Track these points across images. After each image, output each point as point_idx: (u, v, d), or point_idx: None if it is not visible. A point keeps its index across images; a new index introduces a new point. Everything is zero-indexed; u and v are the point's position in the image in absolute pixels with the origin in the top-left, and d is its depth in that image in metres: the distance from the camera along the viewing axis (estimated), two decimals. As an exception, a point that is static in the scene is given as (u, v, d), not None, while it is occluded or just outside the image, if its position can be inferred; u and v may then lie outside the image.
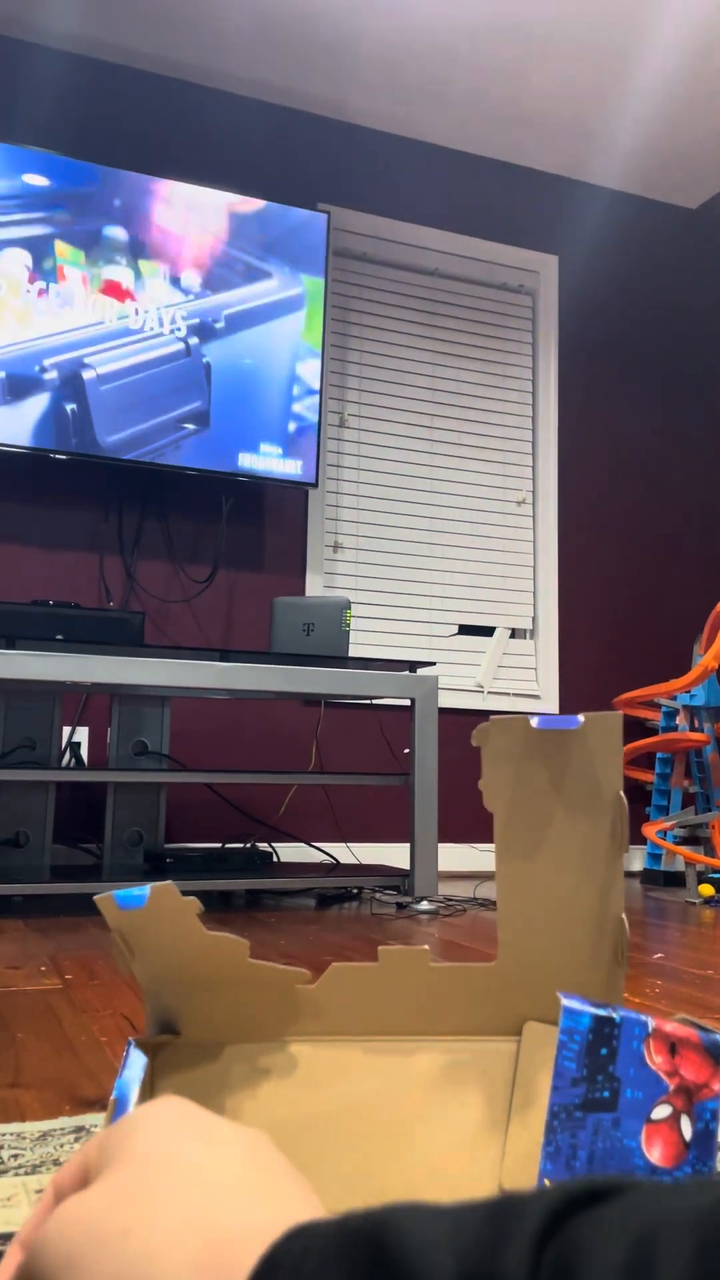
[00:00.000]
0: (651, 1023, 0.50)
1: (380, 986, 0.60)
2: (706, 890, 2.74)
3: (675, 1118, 0.48)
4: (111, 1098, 0.51)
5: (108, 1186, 0.33)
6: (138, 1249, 0.30)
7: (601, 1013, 0.49)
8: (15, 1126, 0.83)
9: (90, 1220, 0.32)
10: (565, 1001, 0.49)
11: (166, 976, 0.58)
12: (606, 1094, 0.48)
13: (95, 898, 0.54)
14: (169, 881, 0.53)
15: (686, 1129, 0.48)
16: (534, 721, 0.57)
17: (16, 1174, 0.73)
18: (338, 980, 0.60)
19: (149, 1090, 0.58)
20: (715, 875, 2.91)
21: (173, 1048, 0.60)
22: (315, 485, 3.13)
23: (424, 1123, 0.58)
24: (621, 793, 0.57)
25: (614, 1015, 0.49)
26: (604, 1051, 0.48)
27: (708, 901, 2.69)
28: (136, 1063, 0.52)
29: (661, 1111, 0.48)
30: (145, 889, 0.54)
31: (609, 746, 0.57)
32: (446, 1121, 0.59)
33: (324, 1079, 0.59)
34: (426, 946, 0.60)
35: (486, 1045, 0.61)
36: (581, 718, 0.57)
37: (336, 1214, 0.28)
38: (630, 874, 3.58)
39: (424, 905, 2.36)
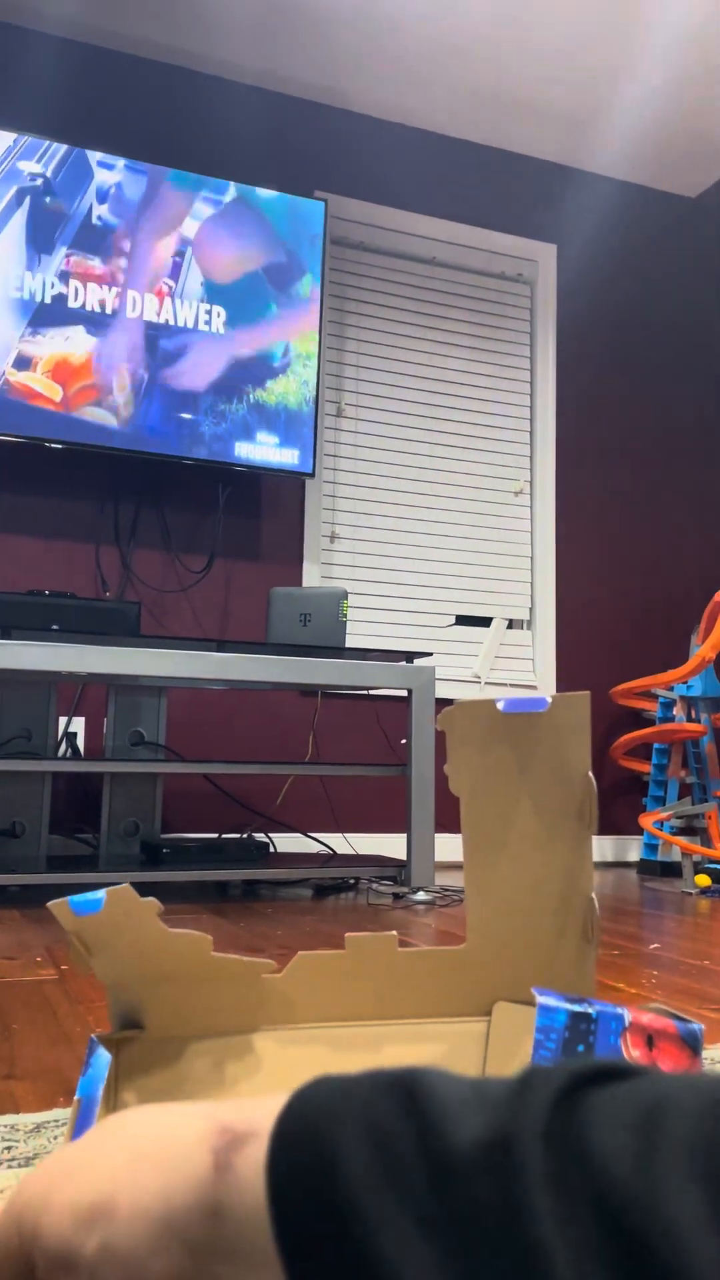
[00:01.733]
0: (628, 1016, 0.50)
1: (348, 973, 0.60)
2: (703, 880, 2.75)
3: None
4: (76, 1098, 0.50)
5: (88, 1137, 0.32)
6: (147, 1131, 0.30)
7: (577, 1009, 0.49)
8: (9, 1118, 0.84)
9: (84, 1144, 0.31)
10: (541, 999, 0.48)
11: (129, 973, 0.57)
12: None
13: (49, 904, 0.53)
14: (126, 885, 0.52)
15: None
16: (500, 704, 0.57)
17: (11, 1166, 0.73)
18: (305, 968, 0.59)
19: (112, 1088, 0.57)
20: (712, 865, 2.92)
21: (137, 1043, 0.59)
22: (312, 475, 3.12)
23: None
24: (590, 773, 0.56)
25: (590, 1011, 0.49)
26: (580, 1048, 0.48)
27: (704, 892, 2.70)
28: (101, 1061, 0.51)
29: None
30: (101, 894, 0.53)
31: (577, 726, 0.57)
32: None
33: (290, 1075, 0.59)
34: (394, 932, 0.60)
35: (457, 1026, 0.61)
36: (549, 698, 0.57)
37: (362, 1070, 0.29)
38: (627, 864, 3.59)
39: (420, 895, 2.36)
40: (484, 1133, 0.25)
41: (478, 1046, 0.60)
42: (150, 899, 0.53)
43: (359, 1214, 0.24)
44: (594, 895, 0.57)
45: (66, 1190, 0.29)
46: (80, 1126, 0.48)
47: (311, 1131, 0.26)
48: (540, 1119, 0.25)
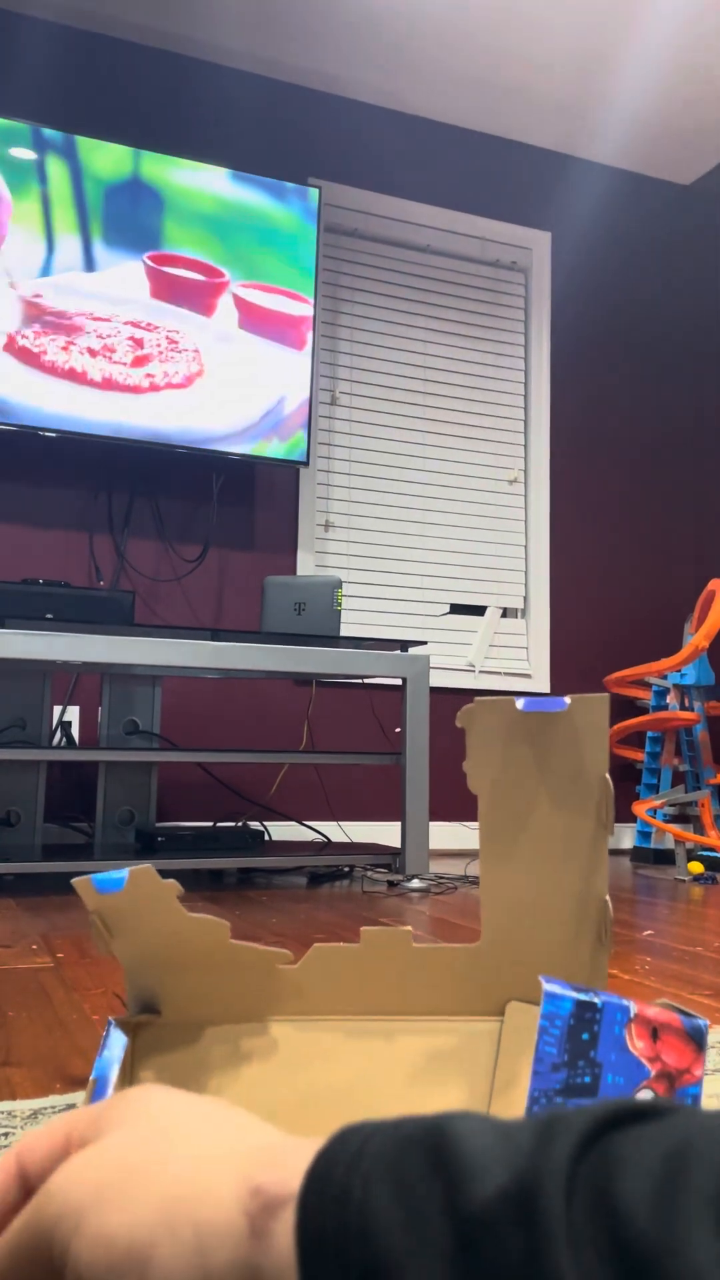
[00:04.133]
0: (634, 1008, 0.50)
1: (362, 967, 0.60)
2: (695, 867, 2.76)
3: None
4: (91, 1078, 0.50)
5: (124, 1135, 0.32)
6: (181, 1171, 0.30)
7: (583, 997, 0.49)
8: (6, 1105, 0.84)
9: (117, 1157, 0.31)
10: (547, 986, 0.49)
11: (147, 957, 0.57)
12: (588, 1079, 0.48)
13: (73, 880, 0.53)
14: (148, 864, 0.53)
15: None
16: (520, 703, 0.57)
17: (7, 1153, 0.74)
18: (320, 961, 0.60)
19: (129, 1071, 0.58)
20: (704, 853, 2.93)
21: (153, 1028, 0.59)
22: (306, 464, 3.12)
23: (405, 1105, 0.59)
24: (607, 775, 0.57)
25: (595, 1000, 0.49)
26: (585, 1036, 0.48)
27: (696, 878, 2.71)
28: (117, 1043, 0.52)
29: (643, 1097, 0.48)
30: (124, 872, 0.53)
31: (595, 728, 0.57)
32: (427, 1104, 0.59)
33: (305, 1062, 0.59)
34: (409, 927, 0.60)
35: (469, 1025, 0.61)
36: (568, 700, 0.57)
37: (390, 1118, 0.29)
38: (620, 852, 3.60)
39: (415, 883, 2.37)
40: (508, 1184, 0.25)
41: (490, 1045, 0.60)
42: (171, 880, 0.54)
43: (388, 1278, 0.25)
44: (608, 898, 0.57)
45: (98, 1220, 0.29)
46: None
47: (339, 1195, 0.26)
48: (563, 1168, 0.25)
